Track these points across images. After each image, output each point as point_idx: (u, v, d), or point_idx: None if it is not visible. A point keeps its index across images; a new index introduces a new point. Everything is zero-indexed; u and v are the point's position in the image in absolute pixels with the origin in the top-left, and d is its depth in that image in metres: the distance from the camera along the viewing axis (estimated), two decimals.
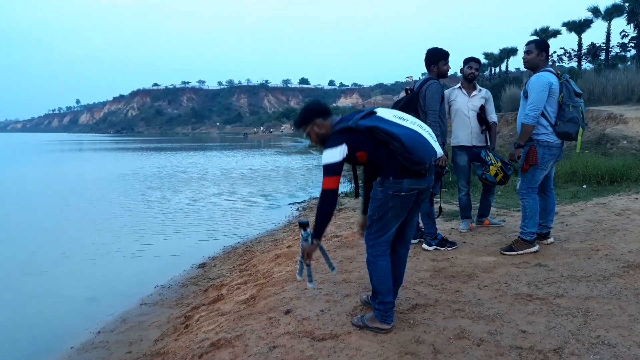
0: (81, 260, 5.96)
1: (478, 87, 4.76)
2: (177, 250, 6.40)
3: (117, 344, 3.56)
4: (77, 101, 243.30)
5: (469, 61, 4.67)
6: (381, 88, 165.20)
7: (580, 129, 3.74)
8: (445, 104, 4.47)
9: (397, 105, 4.02)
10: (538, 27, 32.34)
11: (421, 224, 4.38)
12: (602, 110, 12.94)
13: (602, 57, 29.26)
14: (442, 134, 4.04)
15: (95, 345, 3.59)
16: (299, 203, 9.93)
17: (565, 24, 31.16)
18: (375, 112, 2.53)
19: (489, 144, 4.69)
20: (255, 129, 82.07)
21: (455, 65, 4.52)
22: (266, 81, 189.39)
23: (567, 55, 30.82)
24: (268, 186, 13.18)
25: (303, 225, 2.63)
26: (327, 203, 2.49)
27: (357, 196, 2.89)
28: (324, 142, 2.57)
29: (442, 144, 3.97)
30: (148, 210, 9.50)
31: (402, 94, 4.33)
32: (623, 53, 29.07)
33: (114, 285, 5.06)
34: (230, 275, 4.87)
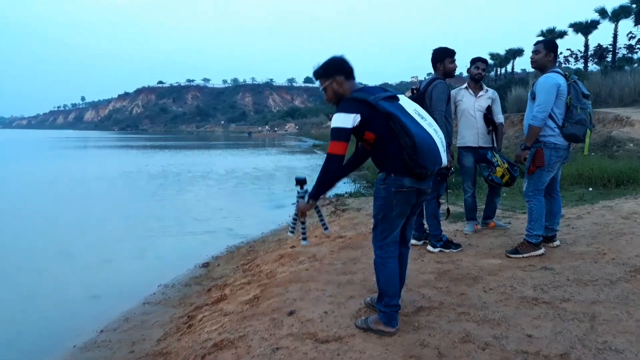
0: (84, 258, 5.96)
1: (485, 87, 4.73)
2: (180, 249, 6.39)
3: (120, 343, 3.55)
4: (82, 98, 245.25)
5: (475, 61, 4.65)
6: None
7: (588, 131, 3.71)
8: (452, 104, 4.45)
9: None
10: (544, 28, 32.25)
11: (426, 226, 4.35)
12: (608, 112, 12.85)
13: (609, 59, 29.03)
14: (448, 135, 4.01)
15: (97, 344, 3.58)
16: None
17: (571, 25, 30.95)
18: (398, 99, 2.44)
19: (495, 145, 4.66)
20: (259, 128, 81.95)
21: (461, 66, 4.49)
22: (271, 80, 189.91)
23: (574, 56, 30.60)
24: (272, 186, 13.17)
25: (300, 182, 2.56)
26: (330, 168, 2.42)
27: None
28: (339, 102, 2.48)
29: (448, 145, 3.95)
30: (152, 208, 9.49)
31: (408, 94, 4.30)
32: (630, 55, 28.81)
33: (117, 283, 5.05)
34: (234, 275, 4.85)
